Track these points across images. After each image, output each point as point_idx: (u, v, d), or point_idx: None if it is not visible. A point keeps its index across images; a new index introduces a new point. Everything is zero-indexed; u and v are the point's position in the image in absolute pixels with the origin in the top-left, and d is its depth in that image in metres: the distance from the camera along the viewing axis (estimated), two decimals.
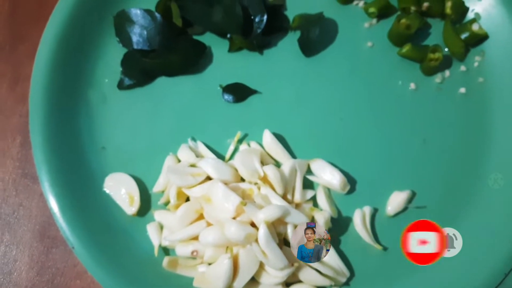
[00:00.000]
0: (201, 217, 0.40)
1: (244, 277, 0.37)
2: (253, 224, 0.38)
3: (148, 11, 0.45)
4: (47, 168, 0.42)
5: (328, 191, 0.43)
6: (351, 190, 0.43)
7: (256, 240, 0.37)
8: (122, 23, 0.46)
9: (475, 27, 0.47)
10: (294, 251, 0.38)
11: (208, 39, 0.47)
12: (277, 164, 0.44)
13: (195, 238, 0.39)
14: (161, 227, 0.41)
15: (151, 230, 0.41)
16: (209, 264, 0.39)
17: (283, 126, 0.45)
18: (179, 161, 0.43)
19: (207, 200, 0.39)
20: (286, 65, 0.47)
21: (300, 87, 0.46)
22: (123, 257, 0.40)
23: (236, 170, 0.41)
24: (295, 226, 0.38)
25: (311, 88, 0.46)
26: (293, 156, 0.44)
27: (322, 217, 0.40)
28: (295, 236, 0.38)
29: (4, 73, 0.47)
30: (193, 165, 0.41)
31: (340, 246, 0.42)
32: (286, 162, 0.42)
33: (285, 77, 0.47)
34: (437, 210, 0.43)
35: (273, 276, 0.38)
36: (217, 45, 0.47)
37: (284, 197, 0.40)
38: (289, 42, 0.47)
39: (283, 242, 0.39)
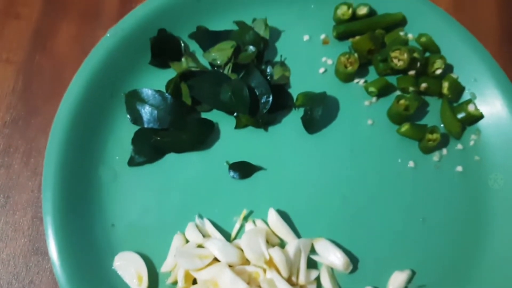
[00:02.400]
0: None
1: None
2: None
3: (158, 92, 0.47)
4: (57, 245, 0.43)
5: (332, 271, 0.44)
6: (354, 269, 0.45)
7: None
8: (134, 102, 0.47)
9: (471, 107, 0.49)
10: None
11: (215, 115, 0.49)
12: (282, 242, 0.45)
13: None
14: None
15: None
16: None
17: (287, 203, 0.47)
18: (187, 240, 0.44)
19: (214, 285, 0.40)
20: (290, 142, 0.49)
21: (304, 163, 0.48)
22: None
23: (242, 251, 0.42)
24: None
25: (314, 165, 0.48)
26: (297, 233, 0.45)
27: None
28: None
29: (17, 148, 0.48)
30: (200, 246, 0.43)
31: None
32: (291, 243, 0.43)
33: (289, 153, 0.48)
34: None
35: None
36: (224, 121, 0.49)
37: (289, 279, 0.42)
38: (293, 119, 0.49)
39: None
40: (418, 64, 0.50)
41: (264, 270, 0.41)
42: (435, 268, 0.45)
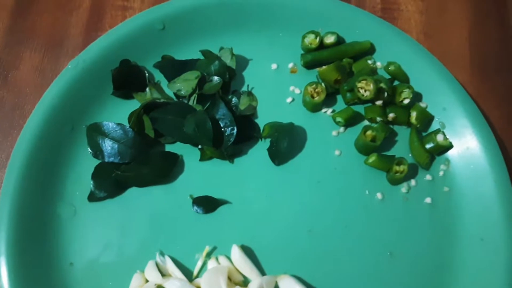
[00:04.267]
0: None
1: None
2: None
3: (120, 125, 0.46)
4: (11, 285, 0.41)
5: None
6: None
7: None
8: (95, 135, 0.46)
9: (439, 137, 0.48)
10: None
11: (179, 147, 0.48)
12: (246, 279, 0.44)
13: None
14: None
15: None
16: None
17: (252, 238, 0.45)
18: (147, 280, 0.42)
19: None
20: (256, 174, 0.48)
21: (270, 196, 0.47)
22: None
23: None
24: None
25: (280, 197, 0.47)
26: (261, 270, 0.44)
27: None
28: None
29: None
30: (160, 286, 0.41)
31: None
32: (253, 281, 0.42)
33: (255, 186, 0.47)
34: None
35: None
36: (188, 153, 0.48)
37: None
38: (260, 151, 0.49)
39: None
40: (385, 94, 0.49)
41: None
42: None
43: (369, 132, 0.48)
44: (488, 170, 0.47)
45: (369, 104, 0.50)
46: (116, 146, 0.46)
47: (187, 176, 0.47)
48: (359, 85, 0.48)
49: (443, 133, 0.49)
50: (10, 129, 0.49)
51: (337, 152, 0.49)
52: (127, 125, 0.46)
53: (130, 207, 0.46)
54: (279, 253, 0.45)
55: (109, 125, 0.46)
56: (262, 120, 0.50)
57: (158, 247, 0.45)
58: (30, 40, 0.54)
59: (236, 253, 0.43)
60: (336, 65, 0.49)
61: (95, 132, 0.46)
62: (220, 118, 0.47)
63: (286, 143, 0.48)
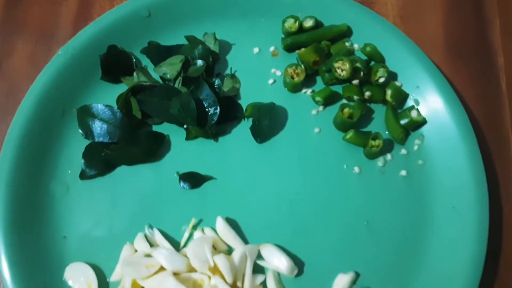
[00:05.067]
0: None
1: None
2: None
3: (108, 106, 0.49)
4: (9, 258, 0.44)
5: (278, 275, 0.45)
6: (299, 273, 0.46)
7: None
8: (85, 117, 0.49)
9: (413, 113, 0.51)
10: None
11: (166, 128, 0.50)
12: (230, 249, 0.46)
13: None
14: None
15: None
16: None
17: (236, 211, 0.48)
18: (136, 251, 0.45)
19: None
20: (240, 151, 0.50)
21: (253, 172, 0.50)
22: None
23: (189, 260, 0.43)
24: None
25: (263, 173, 0.50)
26: (245, 240, 0.47)
27: None
28: None
29: None
30: (148, 255, 0.44)
31: None
32: (237, 249, 0.45)
33: (239, 162, 0.50)
34: None
35: None
36: (174, 133, 0.50)
37: (234, 284, 0.43)
38: (243, 130, 0.51)
39: None
40: (361, 73, 0.51)
41: (209, 277, 0.42)
42: (379, 269, 0.46)
43: (346, 110, 0.50)
44: (460, 143, 0.49)
45: (347, 84, 0.53)
46: (105, 126, 0.48)
47: (173, 155, 0.50)
48: (336, 65, 0.51)
49: (417, 110, 0.51)
50: (4, 115, 0.52)
51: (316, 130, 0.51)
52: (116, 107, 0.49)
53: (120, 184, 0.48)
54: (262, 224, 0.47)
55: (98, 107, 0.49)
56: (245, 101, 0.52)
57: (147, 221, 0.47)
58: (22, 31, 0.56)
59: (220, 224, 0.46)
60: (315, 47, 0.52)
61: (85, 114, 0.49)
62: (204, 99, 0.50)
63: (267, 122, 0.50)
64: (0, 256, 0.44)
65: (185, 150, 0.50)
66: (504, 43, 0.58)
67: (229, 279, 0.42)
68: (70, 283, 0.44)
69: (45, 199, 0.47)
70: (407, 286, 0.46)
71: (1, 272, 0.43)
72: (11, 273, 0.43)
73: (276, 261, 0.45)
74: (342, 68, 0.51)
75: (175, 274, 0.42)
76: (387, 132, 0.52)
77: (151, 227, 0.47)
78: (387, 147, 0.51)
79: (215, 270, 0.43)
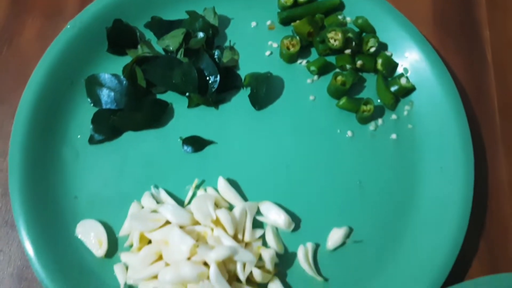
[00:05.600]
0: (160, 258, 0.45)
1: None
2: (206, 263, 0.43)
3: (115, 75, 0.52)
4: (24, 217, 0.46)
5: (276, 230, 0.48)
6: (296, 228, 0.49)
7: (208, 278, 0.42)
8: (93, 86, 0.52)
9: (403, 81, 0.54)
10: (243, 286, 0.44)
11: (169, 96, 0.53)
12: (231, 207, 0.49)
13: (156, 277, 0.44)
14: (126, 268, 0.46)
15: (117, 270, 0.46)
16: None
17: (236, 172, 0.51)
18: (143, 207, 0.48)
19: (165, 243, 0.44)
20: (239, 118, 0.53)
21: (251, 137, 0.52)
22: None
23: (192, 214, 0.46)
24: (244, 264, 0.44)
25: (261, 138, 0.53)
26: (245, 199, 0.50)
27: (268, 255, 0.45)
28: (243, 272, 0.43)
29: None
30: (154, 211, 0.47)
31: (286, 279, 0.47)
32: (237, 205, 0.48)
33: (238, 128, 0.53)
34: (372, 243, 0.49)
35: None
36: (177, 101, 0.53)
37: (235, 237, 0.46)
38: (242, 98, 0.54)
39: (234, 278, 0.45)
40: (353, 43, 0.54)
41: (212, 230, 0.45)
42: (371, 225, 0.49)
43: (339, 78, 0.53)
44: (447, 109, 0.52)
45: (339, 54, 0.56)
46: (112, 94, 0.51)
47: (176, 122, 0.53)
48: (329, 35, 0.54)
49: (407, 77, 0.54)
50: (16, 86, 0.54)
51: (311, 97, 0.54)
52: (122, 76, 0.52)
53: (126, 149, 0.51)
54: (260, 184, 0.50)
55: (106, 76, 0.52)
56: (243, 72, 0.55)
57: (152, 182, 0.50)
58: (32, 9, 0.59)
59: (222, 183, 0.49)
60: (309, 20, 0.55)
61: (93, 83, 0.52)
62: (205, 68, 0.53)
63: (265, 90, 0.53)
64: (18, 216, 0.46)
65: (187, 117, 0.53)
66: (489, 17, 0.61)
67: (231, 231, 0.45)
68: (81, 238, 0.47)
69: (57, 162, 0.50)
70: (397, 239, 0.49)
71: (19, 230, 0.46)
72: (27, 231, 0.46)
73: (274, 216, 0.48)
74: (335, 38, 0.54)
75: (180, 227, 0.45)
76: (379, 101, 0.55)
77: (156, 187, 0.50)
78: (378, 112, 0.54)
79: (217, 223, 0.46)
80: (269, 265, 0.45)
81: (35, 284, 0.47)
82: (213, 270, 0.42)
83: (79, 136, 0.51)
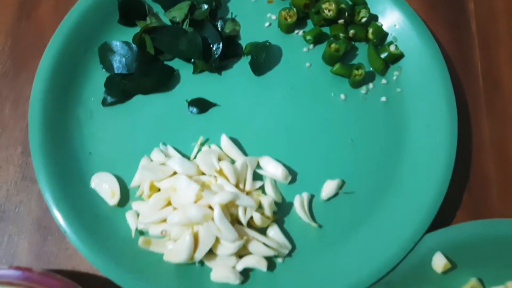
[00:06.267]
0: (169, 204, 0.49)
1: (203, 249, 0.46)
2: (211, 207, 0.48)
3: (126, 42, 0.56)
4: (44, 171, 0.50)
5: (274, 182, 0.53)
6: (293, 181, 0.53)
7: (212, 219, 0.46)
8: (105, 53, 0.56)
9: (392, 48, 0.58)
10: (244, 228, 0.48)
11: (176, 63, 0.58)
12: (233, 162, 0.53)
13: (164, 221, 0.48)
14: (137, 215, 0.50)
15: (129, 217, 0.50)
16: (176, 241, 0.48)
17: (238, 132, 0.55)
18: (152, 161, 0.52)
19: (173, 190, 0.48)
20: (240, 83, 0.57)
21: (252, 100, 0.57)
22: (106, 239, 0.49)
23: (198, 166, 0.51)
24: (245, 208, 0.48)
25: (261, 101, 0.57)
26: (246, 155, 0.54)
27: (267, 201, 0.49)
28: (244, 216, 0.48)
29: (7, 96, 0.57)
30: (163, 164, 0.51)
31: (284, 225, 0.51)
32: (239, 159, 0.52)
33: (239, 92, 0.57)
34: (362, 195, 0.53)
35: (227, 248, 0.47)
36: (183, 68, 0.58)
37: (236, 186, 0.50)
38: (243, 65, 0.58)
39: (236, 222, 0.49)
40: (346, 14, 0.59)
41: (216, 179, 0.50)
42: (361, 177, 0.53)
43: (333, 45, 0.58)
44: (434, 72, 0.56)
45: (333, 24, 0.60)
46: (123, 60, 0.56)
47: (182, 86, 0.57)
48: (323, 6, 0.58)
49: (396, 45, 0.58)
50: (34, 54, 0.58)
51: (307, 64, 0.59)
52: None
53: (136, 110, 0.55)
54: (260, 142, 0.54)
55: (117, 43, 0.56)
56: (244, 41, 0.59)
57: (161, 140, 0.54)
58: None
59: (224, 140, 0.53)
60: None
61: (106, 50, 0.56)
62: (208, 37, 0.57)
63: (264, 57, 0.57)
64: (39, 170, 0.50)
65: (192, 82, 0.57)
66: None
67: (233, 181, 0.49)
68: (96, 189, 0.51)
69: (73, 122, 0.54)
70: (385, 190, 0.53)
71: (40, 182, 0.50)
72: (47, 184, 0.50)
73: (273, 169, 0.52)
74: (329, 8, 0.58)
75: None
76: (371, 69, 0.59)
77: (164, 144, 0.54)
78: (369, 78, 0.58)
79: (220, 173, 0.50)
80: (268, 211, 0.49)
81: (54, 230, 0.51)
82: (217, 211, 0.46)
83: (92, 99, 0.56)
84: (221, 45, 0.56)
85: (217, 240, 0.47)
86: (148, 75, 0.56)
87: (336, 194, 0.53)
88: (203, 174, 0.51)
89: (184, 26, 0.58)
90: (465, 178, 0.55)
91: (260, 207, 0.50)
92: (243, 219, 0.48)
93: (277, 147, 0.54)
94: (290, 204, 0.52)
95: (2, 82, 0.58)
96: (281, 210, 0.52)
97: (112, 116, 0.55)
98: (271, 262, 0.49)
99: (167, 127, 0.55)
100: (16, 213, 0.52)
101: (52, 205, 0.49)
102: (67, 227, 0.48)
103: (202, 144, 0.54)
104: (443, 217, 0.52)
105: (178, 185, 0.48)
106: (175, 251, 0.47)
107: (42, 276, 0.44)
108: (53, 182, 0.50)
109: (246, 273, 0.49)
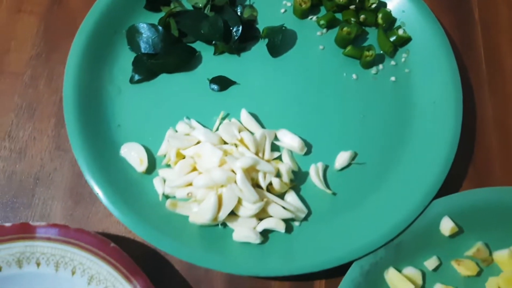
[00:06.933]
0: (194, 170, 0.53)
1: (226, 209, 0.50)
2: (233, 172, 0.51)
3: (152, 25, 0.60)
4: (77, 141, 0.54)
5: (291, 153, 0.56)
6: (308, 152, 0.57)
7: (235, 182, 0.50)
8: (133, 34, 0.60)
9: (400, 31, 0.62)
10: (264, 192, 0.51)
11: (198, 45, 0.62)
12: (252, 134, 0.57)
13: (190, 184, 0.52)
14: (164, 181, 0.54)
15: (156, 182, 0.53)
16: (200, 203, 0.51)
17: (256, 108, 0.59)
18: (177, 132, 0.56)
19: (198, 156, 0.52)
20: (258, 64, 0.61)
21: (269, 79, 0.60)
22: (136, 203, 0.52)
23: (220, 137, 0.54)
24: (265, 174, 0.52)
25: (277, 80, 0.61)
26: (264, 128, 0.58)
27: (284, 168, 0.53)
28: (264, 181, 0.51)
29: (41, 74, 0.61)
30: (187, 134, 0.55)
31: (300, 192, 0.55)
32: (257, 131, 0.56)
33: (257, 72, 0.61)
34: (374, 165, 0.56)
35: (248, 209, 0.50)
36: (205, 50, 0.62)
37: (256, 155, 0.54)
38: (260, 47, 0.62)
39: (256, 186, 0.52)
40: (357, 0, 0.63)
41: (237, 147, 0.53)
42: (373, 150, 0.57)
43: (345, 29, 0.62)
44: (439, 54, 0.60)
45: (345, 10, 0.64)
46: (150, 40, 0.60)
47: (204, 66, 0.61)
48: None
49: (404, 29, 0.62)
50: (65, 36, 0.62)
51: (321, 47, 0.63)
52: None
53: (161, 88, 0.59)
54: (277, 117, 0.58)
55: (144, 25, 0.60)
56: (261, 26, 0.63)
57: (184, 115, 0.58)
58: None
59: (244, 114, 0.57)
60: None
61: (133, 32, 0.60)
62: (228, 20, 0.61)
63: (280, 40, 0.61)
64: (72, 140, 0.54)
65: (213, 63, 0.61)
66: None
67: (253, 149, 0.53)
68: (126, 157, 0.55)
69: (103, 97, 0.58)
70: (395, 161, 0.57)
71: (74, 150, 0.53)
72: (80, 153, 0.53)
73: (289, 141, 0.56)
74: None
75: None
76: (381, 52, 0.63)
77: (188, 118, 0.58)
78: (379, 59, 0.62)
79: (241, 142, 0.54)
80: (285, 178, 0.53)
81: (85, 196, 0.55)
82: (239, 174, 0.49)
83: (121, 77, 0.60)
84: (240, 28, 0.60)
85: (239, 203, 0.51)
86: (172, 55, 0.60)
87: (348, 165, 0.56)
88: (225, 144, 0.54)
89: (205, 11, 0.62)
90: (470, 152, 0.59)
91: (278, 175, 0.53)
92: (263, 184, 0.51)
93: (293, 122, 0.58)
94: (306, 174, 0.56)
95: (36, 61, 0.62)
96: (298, 179, 0.55)
97: (138, 92, 0.59)
98: (288, 225, 0.53)
99: (190, 103, 0.59)
100: (50, 180, 0.56)
101: (85, 170, 0.53)
102: (99, 190, 0.52)
103: (223, 119, 0.58)
104: (450, 187, 0.56)
105: (203, 152, 0.52)
106: (200, 212, 0.50)
107: (78, 233, 0.48)
108: (86, 151, 0.54)
109: (265, 234, 0.52)
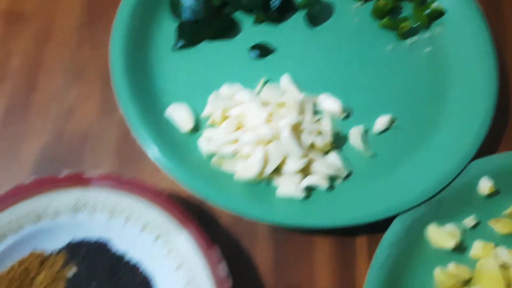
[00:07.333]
0: (239, 128, 0.54)
1: (272, 164, 0.51)
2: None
3: None
4: (125, 103, 0.56)
5: (331, 117, 0.58)
6: (348, 116, 0.58)
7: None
8: (176, 2, 0.62)
9: (434, 4, 0.64)
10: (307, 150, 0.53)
11: (238, 15, 0.64)
12: None
13: (235, 142, 0.53)
14: (209, 141, 0.55)
15: (201, 141, 0.55)
16: (246, 159, 0.53)
17: (296, 75, 0.60)
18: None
19: (244, 115, 0.54)
20: (296, 33, 0.63)
21: (307, 49, 0.62)
22: (182, 159, 0.54)
23: (263, 100, 0.56)
24: (309, 132, 0.53)
25: (315, 50, 0.62)
26: None
27: (326, 128, 0.55)
28: (308, 139, 0.53)
29: (87, 40, 0.63)
30: (231, 97, 0.56)
31: (341, 152, 0.56)
32: (299, 95, 0.57)
33: (296, 41, 0.63)
34: (410, 129, 0.58)
35: (293, 165, 0.52)
36: (245, 19, 0.64)
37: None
38: (298, 18, 0.64)
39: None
40: None
41: (281, 106, 0.55)
42: (410, 115, 0.59)
43: (381, 1, 0.63)
44: (473, 27, 0.62)
45: None
46: (193, 7, 0.62)
47: (244, 35, 0.63)
48: None
49: (438, 2, 0.64)
50: (108, 4, 0.64)
51: (357, 19, 0.64)
52: None
53: (204, 55, 0.61)
54: (316, 85, 0.60)
55: None
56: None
57: (225, 81, 0.60)
58: None
59: (285, 78, 0.59)
60: None
61: (176, 0, 0.62)
62: None
63: (319, 9, 0.63)
64: (120, 102, 0.55)
65: (253, 32, 0.63)
66: None
67: (296, 111, 0.55)
68: (172, 117, 0.56)
69: (147, 63, 0.60)
70: (432, 126, 0.58)
71: (123, 108, 0.55)
72: (128, 115, 0.55)
73: (330, 104, 0.57)
74: None
75: None
76: (416, 25, 0.65)
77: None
78: (414, 32, 0.64)
79: (283, 105, 0.55)
80: (327, 137, 0.54)
81: (131, 155, 0.57)
82: (286, 130, 0.51)
83: (164, 43, 0.61)
84: None
85: (283, 161, 0.52)
86: (214, 23, 0.62)
87: (387, 128, 0.58)
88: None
89: None
90: (506, 116, 0.61)
91: (320, 135, 0.55)
92: (307, 141, 0.53)
93: (331, 88, 0.60)
94: (346, 137, 0.57)
95: (82, 29, 0.64)
96: (338, 140, 0.57)
97: (181, 58, 0.61)
98: (330, 184, 0.54)
99: (231, 70, 0.61)
100: (97, 139, 0.57)
101: (135, 129, 0.54)
102: (148, 145, 0.53)
103: (264, 84, 0.60)
104: (487, 150, 0.57)
105: (249, 110, 0.53)
106: (246, 168, 0.52)
107: (132, 183, 0.49)
108: (133, 112, 0.55)
109: (308, 191, 0.53)
